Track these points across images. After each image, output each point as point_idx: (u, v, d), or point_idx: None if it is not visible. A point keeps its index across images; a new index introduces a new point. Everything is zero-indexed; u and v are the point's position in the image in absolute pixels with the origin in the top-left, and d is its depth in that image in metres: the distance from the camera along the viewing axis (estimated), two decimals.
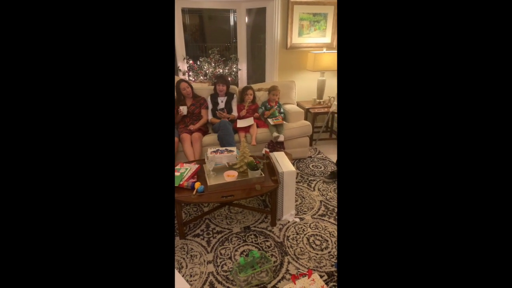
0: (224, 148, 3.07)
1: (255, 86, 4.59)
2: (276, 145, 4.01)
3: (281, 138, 3.96)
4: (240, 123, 4.09)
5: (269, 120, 4.21)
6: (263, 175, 2.80)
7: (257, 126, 4.17)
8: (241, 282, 2.15)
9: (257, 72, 5.29)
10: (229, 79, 4.49)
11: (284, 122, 4.21)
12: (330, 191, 3.47)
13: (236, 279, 2.18)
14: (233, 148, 3.10)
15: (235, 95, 4.29)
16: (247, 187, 2.64)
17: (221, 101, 4.20)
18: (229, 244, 2.65)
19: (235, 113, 4.30)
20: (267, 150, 3.92)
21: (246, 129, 4.13)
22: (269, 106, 4.36)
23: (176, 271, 1.22)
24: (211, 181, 2.73)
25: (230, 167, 2.94)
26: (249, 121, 4.16)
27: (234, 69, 4.81)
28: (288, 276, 2.26)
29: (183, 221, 2.68)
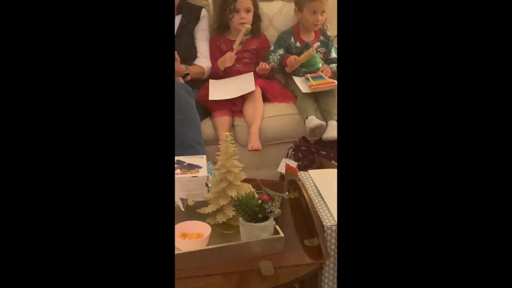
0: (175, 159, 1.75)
1: None
2: (317, 149, 2.20)
3: (332, 132, 2.16)
4: (218, 91, 2.29)
5: (299, 80, 2.33)
6: (282, 234, 1.54)
7: (267, 99, 2.33)
8: None
9: None
10: None
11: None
12: None
13: None
14: (199, 160, 1.72)
15: (203, 11, 2.48)
16: (237, 268, 1.49)
17: None
18: None
19: (203, 60, 2.44)
20: (291, 163, 2.09)
21: (234, 106, 2.31)
22: (298, 43, 2.42)
23: None
24: None
25: (193, 208, 1.61)
26: (244, 85, 2.29)
27: None
28: None
29: None
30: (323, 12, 2.32)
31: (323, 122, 2.08)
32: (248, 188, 1.51)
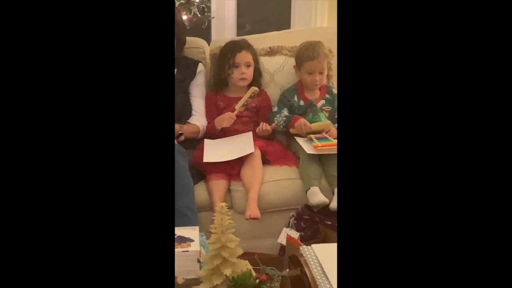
0: None
1: (260, 41, 2.57)
2: (322, 219, 2.08)
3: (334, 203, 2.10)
4: (214, 152, 2.17)
5: (302, 140, 2.22)
6: None
7: (267, 161, 2.22)
8: None
9: (265, 1, 3.74)
10: (185, 17, 2.75)
11: None
12: None
13: None
14: (191, 232, 1.65)
15: (200, 65, 2.37)
16: None
17: None
18: None
19: (198, 118, 2.35)
20: (292, 234, 2.03)
21: (231, 169, 2.19)
22: (302, 102, 2.34)
23: None
24: None
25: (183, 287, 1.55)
26: (243, 146, 2.18)
27: None
28: None
29: None
30: (322, 72, 2.27)
31: (326, 200, 1.99)
32: (245, 266, 1.42)
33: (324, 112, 2.25)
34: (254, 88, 2.14)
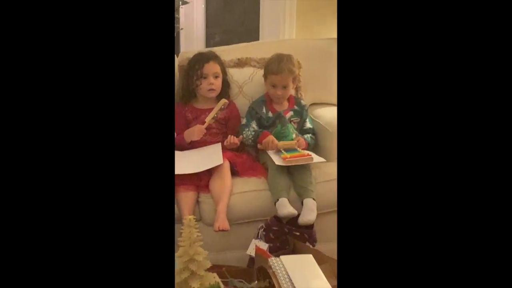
0: None
1: (229, 52, 2.55)
2: (290, 229, 2.01)
3: (309, 215, 1.98)
4: (182, 164, 2.08)
5: (272, 153, 2.18)
6: None
7: (235, 173, 2.19)
8: None
9: (234, 11, 3.70)
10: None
11: (317, 158, 2.18)
12: None
13: None
14: None
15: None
16: None
17: None
18: None
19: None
20: (261, 245, 1.95)
21: (200, 181, 2.14)
22: (270, 113, 2.32)
23: None
24: None
25: None
26: (212, 158, 2.15)
27: None
28: None
29: None
30: (285, 86, 2.23)
31: (295, 212, 1.95)
32: (213, 279, 1.44)
33: (292, 123, 2.20)
34: (224, 101, 2.11)
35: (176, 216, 2.04)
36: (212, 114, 2.13)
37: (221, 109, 2.14)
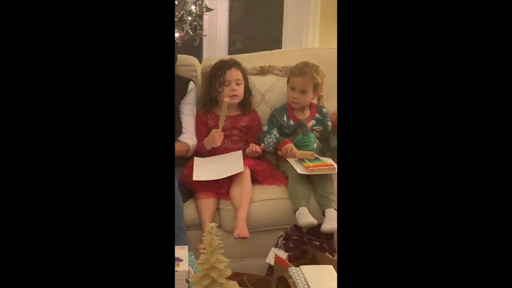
0: None
1: (251, 60, 2.54)
2: (310, 239, 2.02)
3: (332, 223, 1.98)
4: (203, 171, 2.12)
5: (293, 160, 2.19)
6: None
7: (256, 180, 2.19)
8: None
9: (257, 20, 3.75)
10: (177, 35, 2.77)
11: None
12: None
13: None
14: (180, 251, 1.61)
15: (191, 84, 2.34)
16: None
17: None
18: None
19: (188, 137, 2.31)
20: (280, 254, 1.97)
21: (220, 188, 2.16)
22: (292, 121, 2.30)
23: None
24: None
25: None
26: (232, 165, 2.15)
27: (193, 9, 2.90)
28: None
29: None
30: (304, 91, 2.23)
31: (314, 221, 1.96)
32: (233, 287, 1.44)
33: (314, 132, 2.21)
34: (227, 99, 2.14)
35: (191, 222, 2.03)
36: (222, 116, 2.15)
37: (227, 108, 2.15)
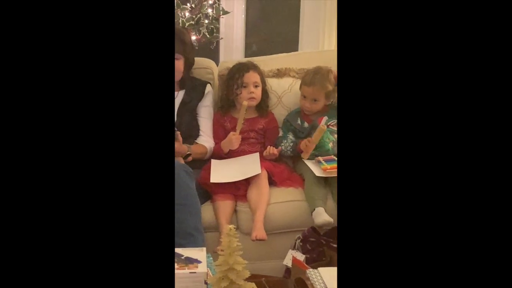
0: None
1: (268, 62, 2.52)
2: (328, 241, 1.99)
3: None
4: (220, 173, 2.11)
5: (310, 162, 2.17)
6: None
7: (273, 183, 2.17)
8: None
9: (273, 23, 3.72)
10: (194, 38, 2.76)
11: None
12: None
13: None
14: (198, 253, 1.61)
15: (208, 86, 2.33)
16: None
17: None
18: None
19: (206, 139, 2.29)
20: (298, 256, 1.93)
21: (237, 190, 2.13)
22: (306, 124, 2.29)
23: None
24: None
25: None
26: (250, 167, 2.12)
27: (210, 13, 2.92)
28: None
29: None
30: (316, 100, 2.22)
31: (330, 219, 1.94)
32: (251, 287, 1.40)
33: (330, 127, 2.20)
34: (244, 103, 2.14)
35: (209, 224, 2.01)
36: (240, 119, 2.14)
37: (246, 111, 2.14)
